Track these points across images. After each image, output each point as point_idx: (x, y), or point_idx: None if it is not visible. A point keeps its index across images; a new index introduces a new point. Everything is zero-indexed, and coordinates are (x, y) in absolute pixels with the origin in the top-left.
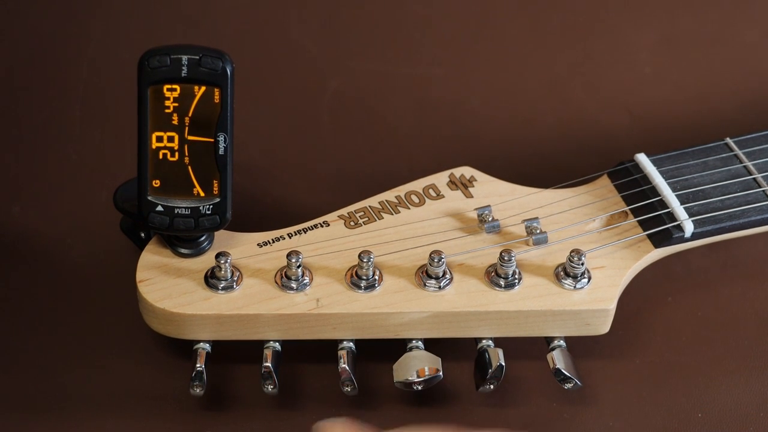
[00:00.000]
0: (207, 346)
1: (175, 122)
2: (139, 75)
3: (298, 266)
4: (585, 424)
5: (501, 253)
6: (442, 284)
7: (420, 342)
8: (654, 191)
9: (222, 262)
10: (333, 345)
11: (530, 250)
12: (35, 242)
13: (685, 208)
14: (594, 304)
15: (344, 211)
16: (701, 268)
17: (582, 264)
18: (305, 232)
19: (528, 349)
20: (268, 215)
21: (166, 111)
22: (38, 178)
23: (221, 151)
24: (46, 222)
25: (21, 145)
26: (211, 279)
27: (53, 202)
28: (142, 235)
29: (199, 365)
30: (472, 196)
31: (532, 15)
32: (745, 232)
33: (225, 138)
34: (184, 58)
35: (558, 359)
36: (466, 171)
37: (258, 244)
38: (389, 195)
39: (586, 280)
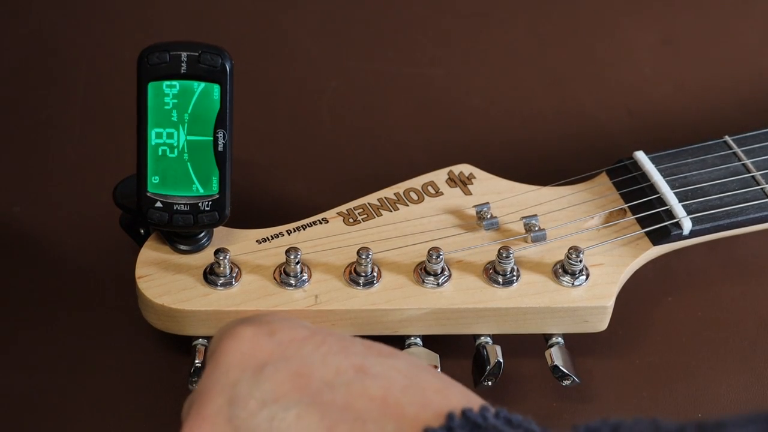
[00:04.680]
0: (206, 342)
1: (175, 119)
2: (139, 71)
3: (297, 263)
4: (583, 422)
5: (499, 250)
6: (440, 281)
7: (418, 338)
8: (653, 189)
9: (221, 258)
10: None
11: (528, 247)
12: (35, 242)
13: (683, 205)
14: (592, 301)
15: (343, 208)
16: (701, 267)
17: (580, 261)
18: (304, 229)
19: (526, 346)
20: (267, 212)
21: (166, 107)
22: (38, 178)
23: (220, 148)
24: (46, 222)
25: (21, 145)
26: (210, 275)
27: (53, 202)
28: (142, 231)
29: (198, 361)
30: (471, 194)
31: (532, 14)
32: (743, 229)
33: (224, 135)
34: (184, 54)
35: (556, 356)
36: (465, 168)
37: (257, 241)
38: (388, 192)
39: (584, 277)
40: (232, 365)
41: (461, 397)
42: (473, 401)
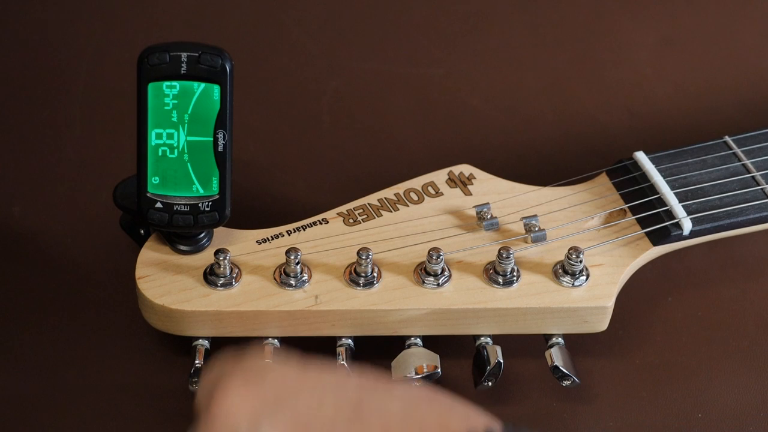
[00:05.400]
0: (206, 343)
1: (175, 119)
2: (139, 72)
3: (297, 263)
4: (583, 422)
5: (499, 251)
6: (440, 281)
7: (418, 339)
8: (653, 189)
9: (221, 259)
10: (332, 342)
11: (529, 248)
12: (35, 242)
13: (683, 206)
14: (592, 301)
15: (343, 208)
16: (701, 267)
17: (580, 261)
18: (304, 230)
19: (526, 347)
20: (267, 212)
21: (166, 108)
22: (38, 178)
23: (220, 149)
24: (46, 222)
25: (21, 145)
26: (210, 276)
27: (53, 202)
28: (142, 232)
29: (198, 362)
30: (471, 194)
31: (532, 14)
32: (743, 230)
33: (224, 135)
34: (184, 55)
35: (556, 356)
36: (465, 169)
37: (257, 241)
38: (388, 192)
39: (584, 277)
40: (227, 424)
41: (461, 421)
42: (474, 421)
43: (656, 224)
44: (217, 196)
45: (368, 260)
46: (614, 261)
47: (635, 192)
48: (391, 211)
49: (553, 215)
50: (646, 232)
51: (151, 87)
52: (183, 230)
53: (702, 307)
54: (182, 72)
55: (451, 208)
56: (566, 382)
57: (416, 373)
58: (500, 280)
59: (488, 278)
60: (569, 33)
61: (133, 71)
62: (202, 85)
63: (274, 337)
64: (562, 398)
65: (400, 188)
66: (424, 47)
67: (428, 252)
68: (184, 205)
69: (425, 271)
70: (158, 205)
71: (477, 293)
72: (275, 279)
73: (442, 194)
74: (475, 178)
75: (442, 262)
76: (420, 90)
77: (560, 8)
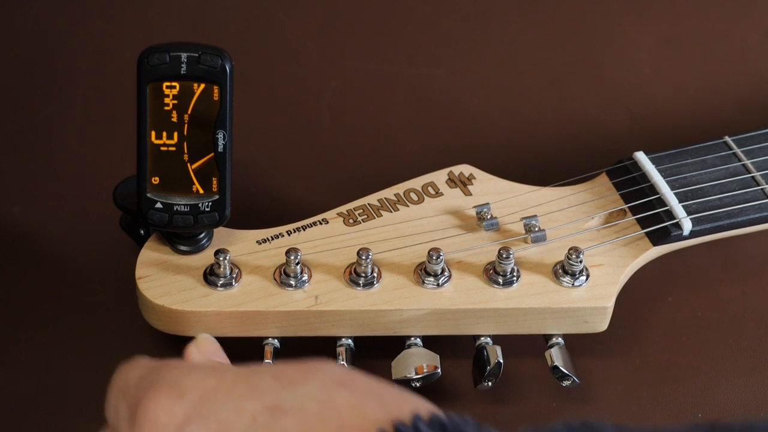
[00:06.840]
0: None
1: (175, 119)
2: (139, 72)
3: (297, 263)
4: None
5: (499, 251)
6: (440, 281)
7: (418, 339)
8: (653, 189)
9: (221, 259)
10: (332, 342)
11: (529, 248)
12: (35, 242)
13: (683, 206)
14: (592, 301)
15: (343, 208)
16: (701, 267)
17: (580, 262)
18: (304, 230)
19: (526, 347)
20: (267, 213)
21: (166, 108)
22: (38, 178)
23: (220, 149)
24: (46, 222)
25: (21, 145)
26: (210, 276)
27: (53, 202)
28: (142, 232)
29: None
30: (471, 194)
31: (532, 14)
32: (743, 230)
33: (224, 135)
34: (184, 55)
35: (556, 356)
36: (465, 169)
37: (257, 242)
38: (388, 193)
39: (584, 277)
40: None
41: (379, 410)
42: (392, 406)
43: (656, 224)
44: (217, 197)
45: (368, 260)
46: (614, 261)
47: (635, 192)
48: (391, 212)
49: (553, 215)
50: (646, 233)
51: (151, 87)
52: (183, 230)
53: (702, 307)
54: (182, 72)
55: (451, 208)
56: (566, 382)
57: (416, 373)
58: (500, 280)
59: (488, 278)
60: (569, 33)
61: (133, 71)
62: (202, 85)
63: (274, 338)
64: (562, 398)
65: (400, 188)
66: (424, 47)
67: (428, 252)
68: (184, 205)
69: (425, 272)
70: (158, 205)
71: (477, 293)
72: (275, 279)
73: (442, 194)
74: (475, 178)
75: (442, 262)
76: (420, 90)
77: (560, 8)
